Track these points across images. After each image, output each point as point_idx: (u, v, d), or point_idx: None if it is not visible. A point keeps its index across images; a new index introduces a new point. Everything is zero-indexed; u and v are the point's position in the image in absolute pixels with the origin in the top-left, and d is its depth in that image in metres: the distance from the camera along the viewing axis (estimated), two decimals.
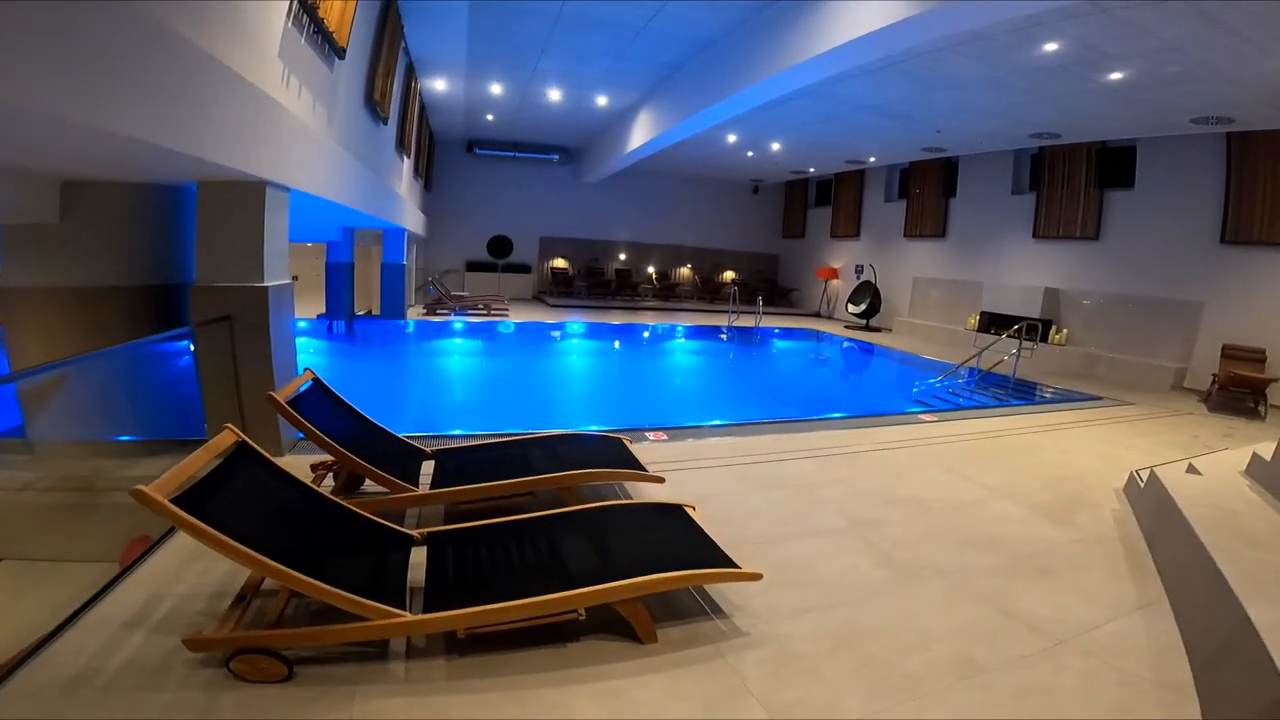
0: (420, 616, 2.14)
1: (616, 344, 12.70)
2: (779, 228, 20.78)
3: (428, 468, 3.58)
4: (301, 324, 12.55)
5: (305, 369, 3.70)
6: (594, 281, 18.34)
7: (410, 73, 10.06)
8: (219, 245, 3.89)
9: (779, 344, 13.81)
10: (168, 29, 2.66)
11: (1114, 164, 10.81)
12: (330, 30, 4.97)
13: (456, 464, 3.56)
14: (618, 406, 7.54)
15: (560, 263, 18.64)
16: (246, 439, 2.43)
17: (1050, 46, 6.86)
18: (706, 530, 2.79)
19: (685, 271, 20.02)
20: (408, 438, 3.89)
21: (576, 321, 13.65)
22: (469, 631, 2.19)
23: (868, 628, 2.55)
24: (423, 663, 2.20)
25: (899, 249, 15.87)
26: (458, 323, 12.36)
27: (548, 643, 2.31)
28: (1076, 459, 5.21)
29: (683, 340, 13.27)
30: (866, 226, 17.16)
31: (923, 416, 6.32)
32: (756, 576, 2.42)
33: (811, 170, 17.52)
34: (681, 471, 4.31)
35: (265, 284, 3.97)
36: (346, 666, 2.14)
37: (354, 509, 2.63)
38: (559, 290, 18.01)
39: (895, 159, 15.09)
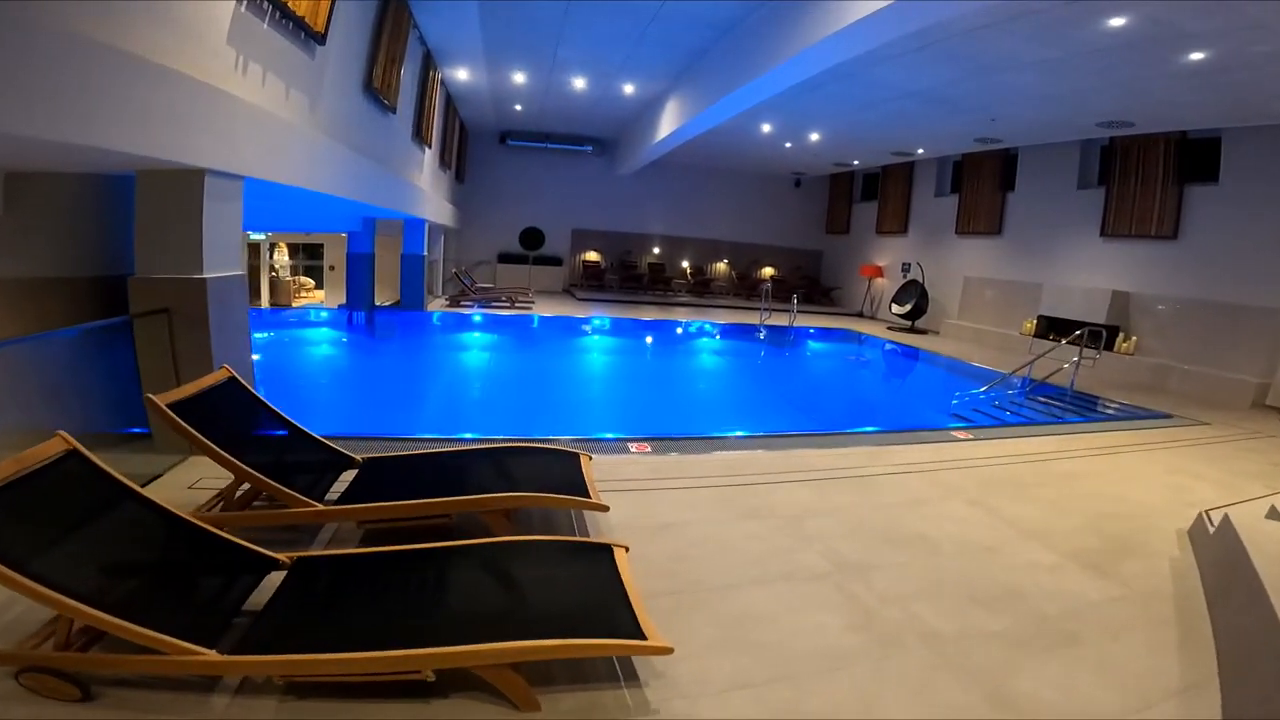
0: (225, 658, 1.81)
1: (639, 341, 12.25)
2: (822, 223, 19.86)
3: (348, 478, 3.22)
4: (324, 314, 12.68)
5: (222, 366, 3.41)
6: (626, 275, 17.91)
7: (428, 62, 9.89)
8: (157, 236, 3.68)
9: (813, 345, 13.07)
10: (65, 30, 2.55)
11: (1195, 156, 9.64)
12: (302, 16, 4.74)
13: (377, 476, 3.21)
14: (617, 410, 7.08)
15: (592, 255, 18.29)
16: (79, 446, 2.11)
17: (1116, 22, 6.00)
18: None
19: (721, 267, 19.36)
20: (338, 441, 3.56)
21: (602, 317, 13.25)
22: (286, 679, 1.84)
23: (809, 716, 2.03)
24: (250, 701, 1.90)
25: (949, 246, 14.83)
26: (476, 315, 12.15)
27: (408, 697, 1.91)
28: (1133, 490, 4.47)
29: (710, 339, 12.71)
30: (915, 222, 16.14)
31: (956, 434, 5.61)
32: (665, 650, 1.92)
33: (856, 163, 16.59)
34: (656, 492, 3.83)
35: (204, 276, 3.75)
36: (160, 694, 1.91)
37: (207, 527, 2.29)
38: (589, 284, 17.67)
39: (946, 150, 14.07)
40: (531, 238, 17.45)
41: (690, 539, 3.24)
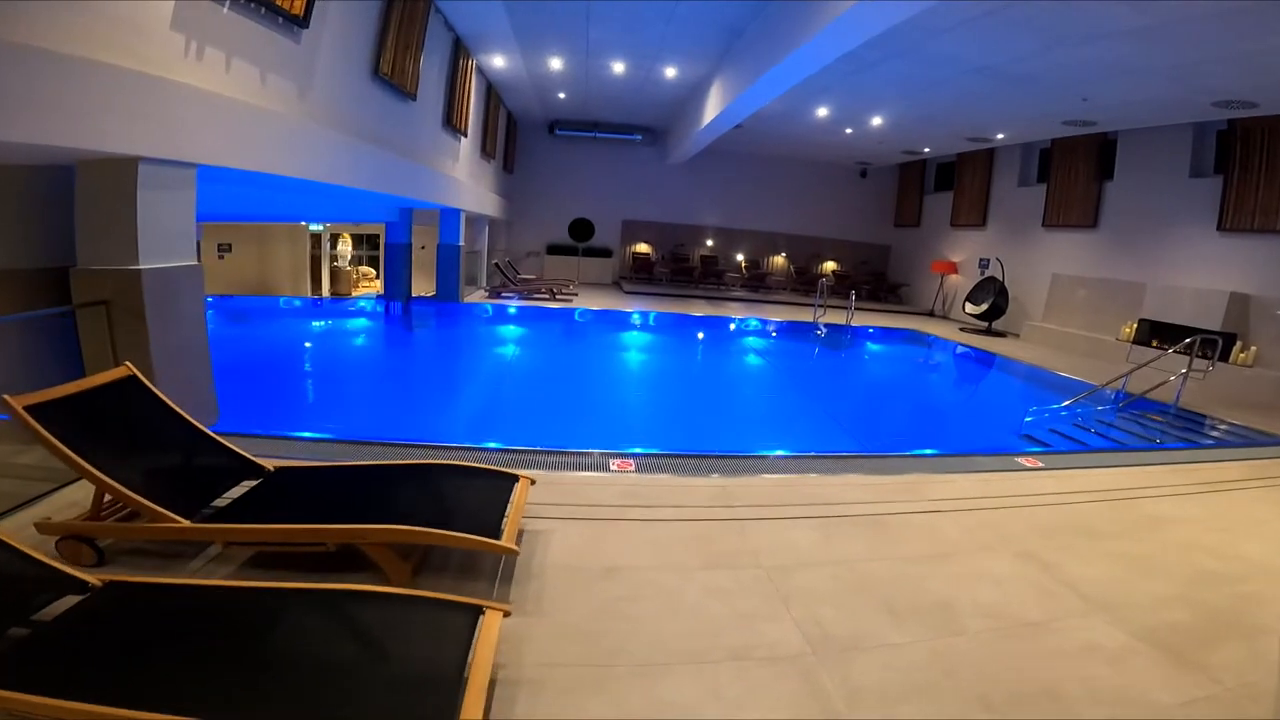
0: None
1: (674, 338, 11.59)
2: (890, 215, 18.45)
3: (242, 490, 2.85)
4: (361, 304, 12.76)
5: (124, 363, 3.09)
6: (677, 268, 17.24)
7: (459, 49, 9.68)
8: (94, 226, 3.56)
9: (871, 347, 12.02)
10: None
11: None
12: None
13: (274, 490, 2.84)
14: (625, 414, 6.43)
15: (643, 248, 17.73)
16: None
17: None
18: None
19: (779, 260, 18.34)
20: (291, 444, 3.40)
21: (644, 311, 12.68)
22: None
23: None
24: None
25: (1035, 241, 13.31)
26: (511, 308, 11.87)
27: None
28: (1243, 543, 3.48)
29: (757, 338, 11.87)
30: (995, 214, 14.63)
31: (1022, 460, 4.65)
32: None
33: (927, 150, 15.20)
34: (620, 524, 3.23)
35: (140, 267, 3.56)
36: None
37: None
38: (638, 276, 17.11)
39: (1030, 135, 12.59)
40: (581, 229, 17.07)
41: (633, 591, 2.62)
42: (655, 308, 13.03)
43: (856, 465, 4.28)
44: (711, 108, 10.66)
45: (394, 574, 2.42)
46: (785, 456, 4.34)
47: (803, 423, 6.67)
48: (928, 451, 4.74)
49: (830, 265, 18.22)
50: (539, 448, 4.14)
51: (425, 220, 11.62)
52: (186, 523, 2.51)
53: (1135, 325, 10.65)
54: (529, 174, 17.13)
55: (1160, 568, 3.17)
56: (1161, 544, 3.45)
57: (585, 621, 2.39)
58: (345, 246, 19.43)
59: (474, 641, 1.79)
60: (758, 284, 17.49)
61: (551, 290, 13.21)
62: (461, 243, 11.46)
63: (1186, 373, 7.11)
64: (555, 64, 11.09)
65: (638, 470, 3.94)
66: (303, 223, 16.87)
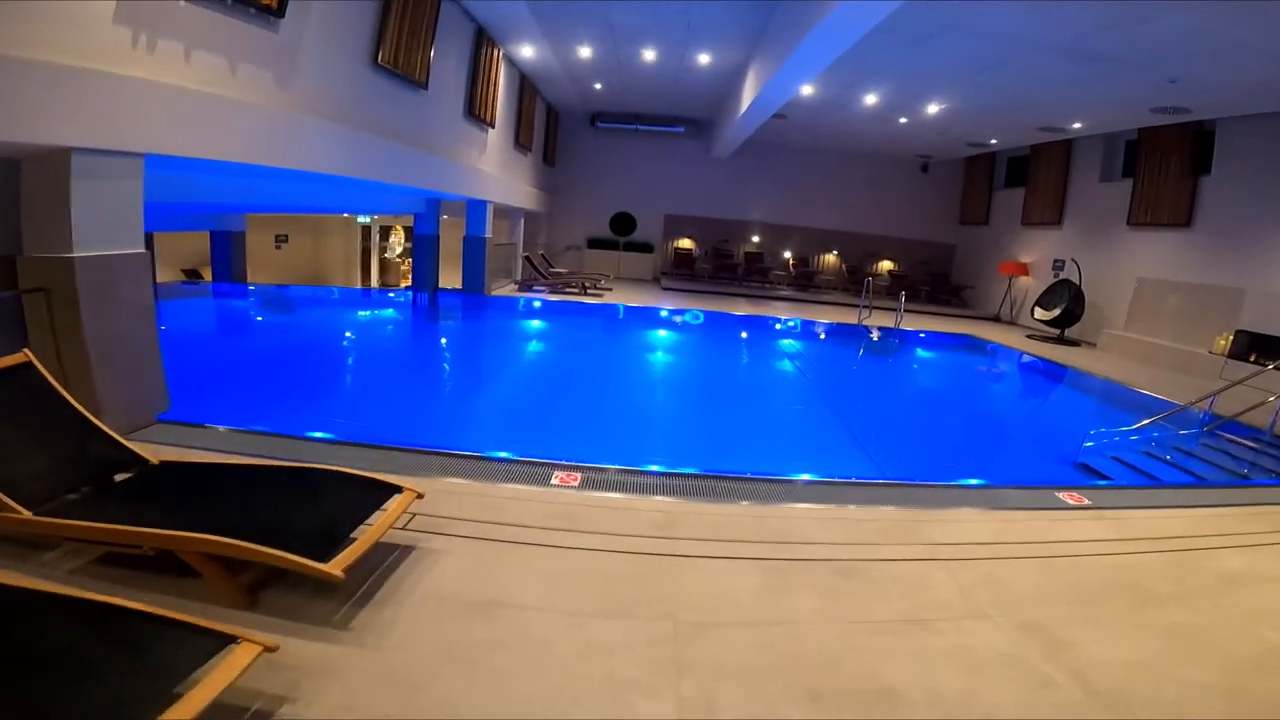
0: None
1: (700, 338, 11.00)
2: (955, 213, 17.10)
3: (111, 483, 2.72)
4: (392, 295, 12.79)
5: (23, 350, 2.91)
6: (720, 265, 16.57)
7: (481, 38, 9.52)
8: (37, 214, 3.58)
9: (920, 354, 11.04)
10: None
11: None
12: None
13: (143, 486, 2.71)
14: (603, 422, 5.85)
15: (685, 243, 17.15)
16: None
17: None
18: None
19: (830, 259, 17.34)
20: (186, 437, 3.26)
21: (677, 309, 12.14)
22: None
23: None
24: None
25: (1118, 241, 11.92)
26: (537, 302, 11.59)
27: None
28: None
29: (795, 340, 11.10)
30: (1072, 211, 13.23)
31: (1063, 495, 3.81)
32: None
33: (994, 142, 13.91)
34: (529, 548, 2.76)
35: (74, 255, 3.52)
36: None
37: None
38: (679, 273, 16.54)
39: (1112, 125, 11.26)
40: (622, 223, 16.69)
41: (502, 635, 2.16)
42: (692, 305, 12.45)
43: (842, 494, 3.63)
44: (747, 95, 10.04)
45: (215, 585, 2.12)
46: (756, 478, 3.72)
47: (813, 439, 5.97)
48: (941, 482, 4.00)
49: (886, 265, 17.09)
50: (471, 452, 3.74)
51: (460, 212, 11.54)
52: (28, 514, 2.34)
53: (1231, 336, 9.30)
54: (570, 167, 16.88)
55: (1213, 646, 2.44)
56: (1224, 612, 2.69)
57: (422, 666, 1.97)
58: (397, 239, 19.82)
59: (197, 675, 1.51)
60: (806, 283, 16.58)
61: (583, 285, 12.86)
62: (488, 234, 11.26)
63: None
64: (585, 52, 10.79)
65: (581, 486, 3.45)
66: (349, 215, 17.32)
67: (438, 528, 2.86)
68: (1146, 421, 5.93)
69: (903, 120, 12.22)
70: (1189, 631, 2.53)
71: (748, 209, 17.08)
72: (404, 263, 19.49)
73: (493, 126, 10.74)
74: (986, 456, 6.03)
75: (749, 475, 3.76)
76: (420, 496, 2.68)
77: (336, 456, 3.52)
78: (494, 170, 11.21)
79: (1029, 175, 14.16)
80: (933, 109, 11.12)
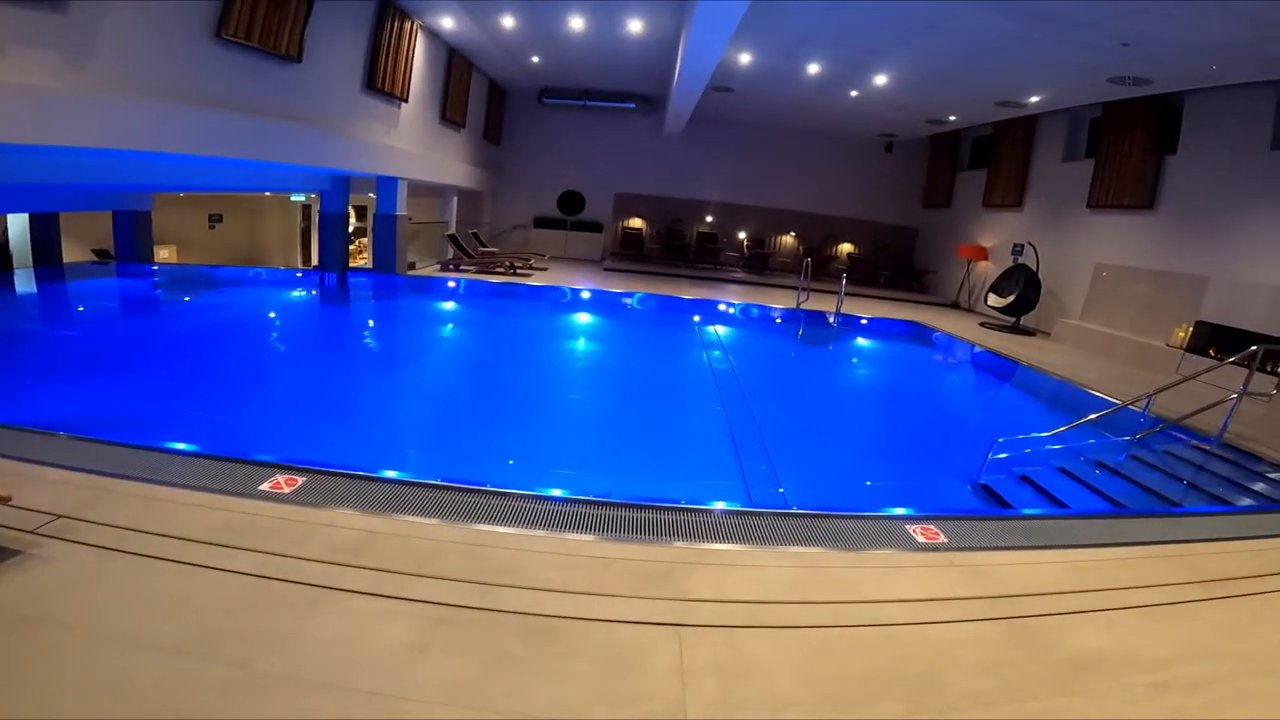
0: None
1: (613, 322, 10.24)
2: (920, 195, 16.34)
3: None
4: (299, 275, 12.00)
5: None
6: (670, 245, 15.80)
7: (387, 9, 8.99)
8: None
9: (855, 343, 10.35)
10: None
11: None
12: None
13: None
14: (454, 423, 5.19)
15: (636, 222, 16.34)
16: None
17: None
18: None
19: (788, 240, 16.58)
20: None
21: (607, 292, 11.35)
22: None
23: None
24: None
25: (1078, 224, 11.24)
26: (451, 282, 10.85)
27: None
28: (1229, 707, 1.99)
29: (724, 327, 10.35)
30: (1033, 193, 12.51)
31: (915, 530, 3.01)
32: None
33: (953, 119, 13.10)
34: (157, 566, 2.02)
35: None
36: None
37: None
38: (626, 254, 15.76)
39: (1072, 98, 10.52)
40: (570, 202, 15.86)
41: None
42: (632, 287, 11.66)
43: (593, 518, 2.85)
44: (678, 64, 9.25)
45: None
46: (501, 491, 2.95)
47: (677, 439, 5.28)
48: (753, 506, 3.26)
49: (846, 247, 16.35)
50: (152, 446, 3.08)
51: (357, 190, 10.78)
52: None
53: (1190, 328, 8.66)
54: (518, 145, 16.02)
55: None
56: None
57: None
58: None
59: None
60: (760, 265, 15.82)
61: (513, 265, 12.07)
62: (402, 212, 10.47)
63: (1241, 394, 5.31)
64: (508, 22, 10.14)
65: (295, 496, 2.76)
66: (285, 194, 16.41)
67: (73, 533, 2.35)
68: (1063, 429, 5.20)
69: (854, 94, 11.41)
70: None
71: (702, 188, 16.28)
72: (354, 242, 18.64)
73: (405, 101, 10.00)
74: (872, 470, 5.28)
75: (495, 489, 3.01)
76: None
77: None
78: (410, 146, 10.44)
79: (993, 155, 13.41)
80: (881, 80, 10.32)
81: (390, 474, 3.05)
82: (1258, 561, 3.08)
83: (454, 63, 11.78)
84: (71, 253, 11.56)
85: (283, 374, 6.66)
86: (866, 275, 15.49)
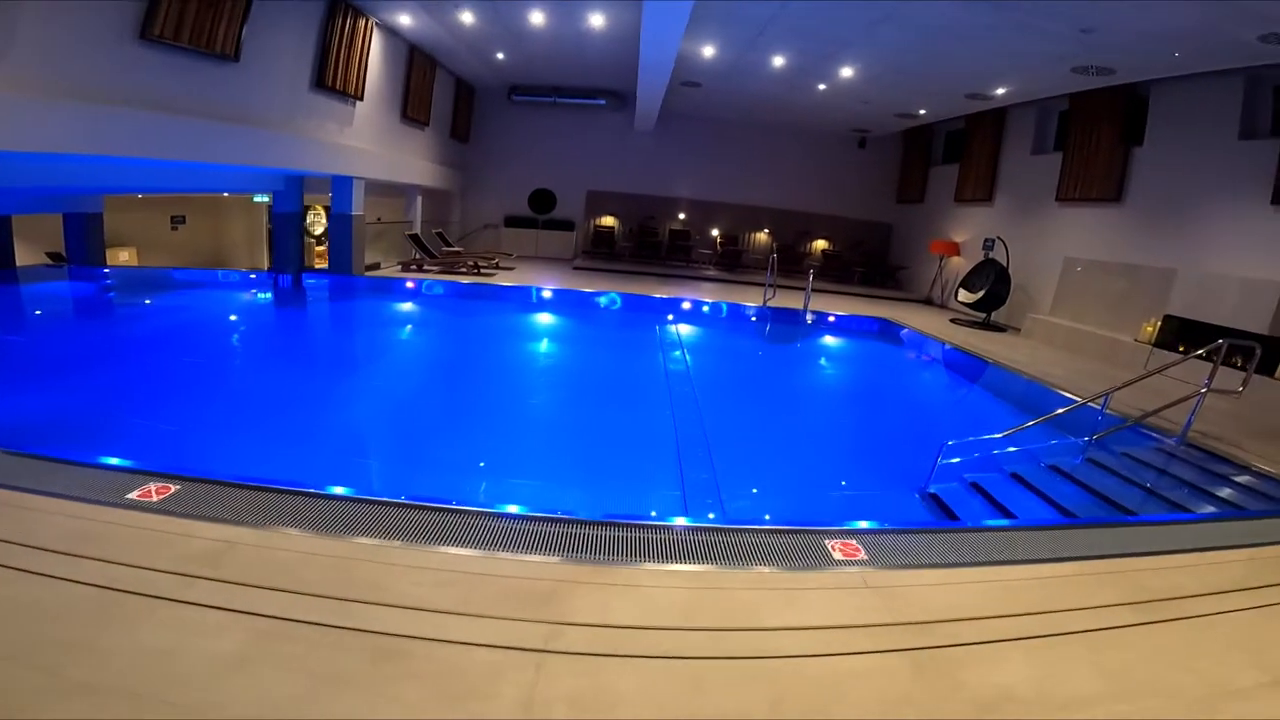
0: None
1: (573, 324, 10.01)
2: (894, 191, 16.21)
3: None
4: (253, 276, 11.69)
5: None
6: (643, 243, 15.58)
7: (337, 6, 8.77)
8: None
9: (821, 342, 10.19)
10: None
11: None
12: None
13: None
14: (388, 430, 4.97)
15: (608, 220, 16.11)
16: None
17: None
18: None
19: (761, 237, 16.40)
20: None
21: (573, 291, 11.11)
22: None
23: None
24: None
25: (1047, 218, 11.13)
26: (410, 283, 10.58)
27: None
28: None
29: (690, 326, 10.14)
30: (1004, 187, 12.40)
31: (834, 546, 2.76)
32: None
33: (923, 113, 12.95)
34: None
35: None
36: None
37: None
38: (598, 252, 15.52)
39: (1038, 90, 10.38)
40: (541, 201, 15.60)
41: None
42: (600, 287, 11.42)
43: (517, 532, 2.65)
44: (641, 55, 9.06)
45: None
46: (408, 504, 2.71)
47: (615, 448, 5.07)
48: (660, 519, 3.03)
49: (820, 244, 16.20)
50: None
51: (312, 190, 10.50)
52: None
53: (1158, 323, 8.55)
54: (487, 143, 15.72)
55: None
56: None
57: None
58: (316, 218, 18.55)
59: None
60: (733, 262, 15.64)
61: (477, 265, 11.80)
62: (358, 212, 10.18)
63: (1205, 391, 5.15)
64: (467, 18, 9.90)
65: (163, 505, 2.55)
66: (248, 195, 16.03)
67: None
68: (1015, 429, 5.02)
69: (822, 87, 11.23)
70: None
71: (675, 185, 16.06)
72: (323, 244, 18.29)
73: (360, 99, 9.73)
74: (818, 478, 5.07)
75: (377, 499, 2.77)
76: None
77: None
78: (366, 145, 10.16)
79: (965, 149, 13.29)
80: (847, 72, 10.14)
81: (267, 484, 2.81)
82: (1209, 577, 2.87)
83: (415, 60, 11.50)
84: (25, 256, 11.24)
85: (209, 379, 6.37)
86: (841, 272, 15.35)
